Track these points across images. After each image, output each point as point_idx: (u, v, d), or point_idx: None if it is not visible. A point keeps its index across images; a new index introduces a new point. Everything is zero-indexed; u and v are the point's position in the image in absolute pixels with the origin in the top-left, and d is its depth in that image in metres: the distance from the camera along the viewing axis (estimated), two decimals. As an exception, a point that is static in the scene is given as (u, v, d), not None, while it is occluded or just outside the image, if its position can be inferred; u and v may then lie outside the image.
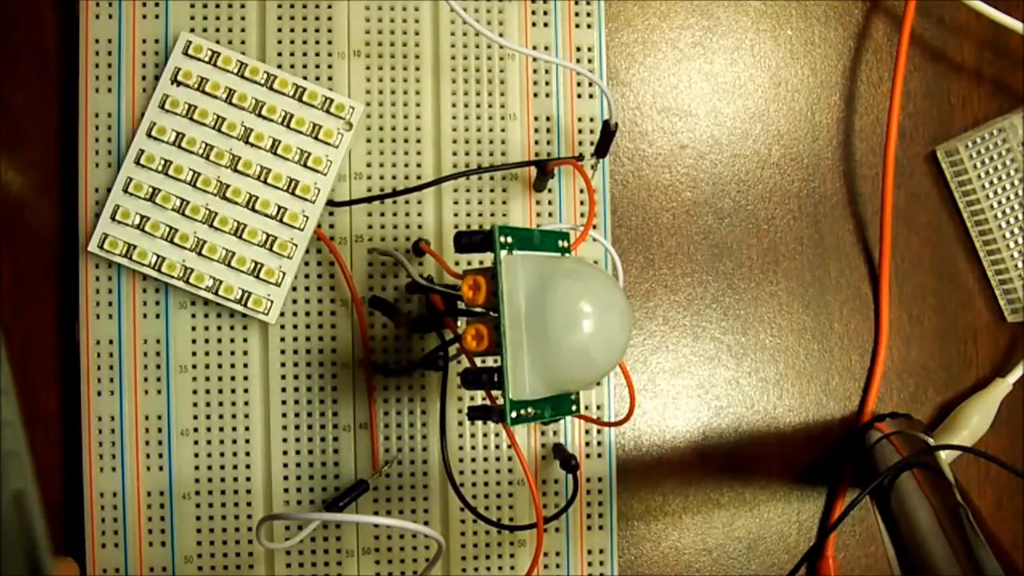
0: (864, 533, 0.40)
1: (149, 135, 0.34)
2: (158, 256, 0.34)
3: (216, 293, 0.34)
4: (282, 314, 0.35)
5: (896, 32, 0.41)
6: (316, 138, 0.34)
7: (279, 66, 0.35)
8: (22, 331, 0.35)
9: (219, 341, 0.35)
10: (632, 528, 0.39)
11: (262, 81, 0.34)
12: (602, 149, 0.36)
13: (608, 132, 0.35)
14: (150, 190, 0.34)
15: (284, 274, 0.34)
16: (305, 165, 0.34)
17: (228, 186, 0.34)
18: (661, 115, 0.40)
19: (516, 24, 0.37)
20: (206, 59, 0.34)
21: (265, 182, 0.34)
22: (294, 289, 0.35)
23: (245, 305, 0.34)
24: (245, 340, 0.35)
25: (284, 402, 0.35)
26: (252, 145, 0.34)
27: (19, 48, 0.36)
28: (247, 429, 0.35)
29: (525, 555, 0.36)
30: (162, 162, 0.34)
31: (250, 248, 0.34)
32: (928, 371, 0.41)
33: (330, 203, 0.35)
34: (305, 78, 0.35)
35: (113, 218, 0.34)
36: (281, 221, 0.34)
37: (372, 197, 0.35)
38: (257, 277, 0.34)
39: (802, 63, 0.41)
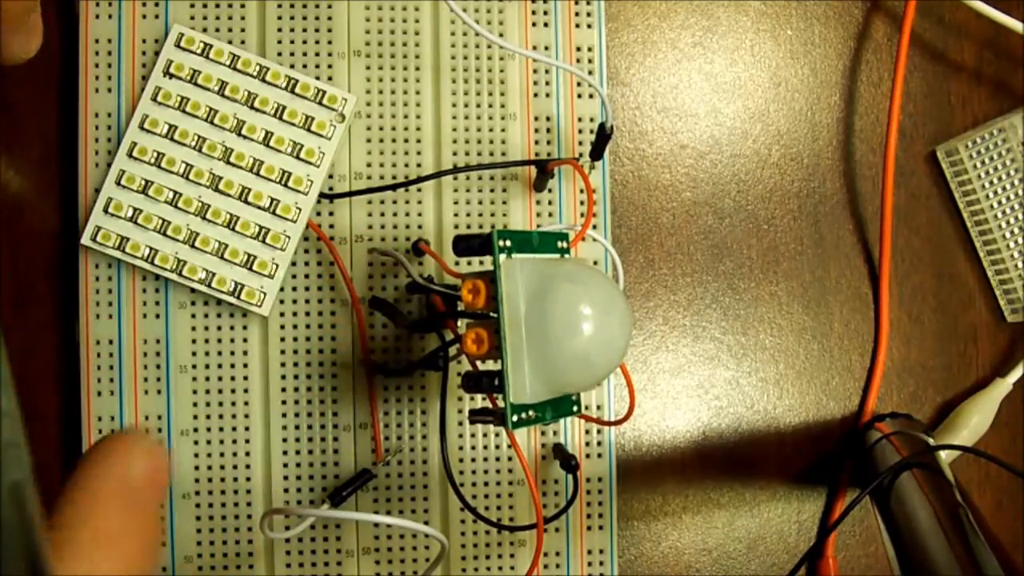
0: (864, 533, 0.40)
1: (142, 127, 0.34)
2: (151, 249, 0.34)
3: (209, 285, 0.34)
4: (282, 314, 0.35)
5: (896, 32, 0.41)
6: (309, 130, 0.34)
7: (279, 65, 0.35)
8: (22, 331, 0.35)
9: (219, 341, 0.35)
10: (632, 528, 0.39)
11: (254, 73, 0.34)
12: (597, 152, 0.36)
13: (603, 135, 0.35)
14: (143, 182, 0.34)
15: (277, 266, 0.34)
16: (298, 157, 0.34)
17: (221, 178, 0.34)
18: (661, 115, 0.40)
19: (516, 24, 0.37)
20: (198, 51, 0.34)
21: (258, 174, 0.34)
22: (294, 289, 0.35)
23: (238, 297, 0.34)
24: (245, 340, 0.35)
25: (284, 402, 0.35)
26: (244, 137, 0.34)
27: (19, 48, 0.36)
28: (247, 430, 0.35)
29: (525, 555, 0.36)
30: (155, 154, 0.34)
31: (243, 240, 0.34)
32: (928, 371, 0.41)
33: (323, 196, 0.35)
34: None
35: (106, 211, 0.34)
36: (274, 213, 0.34)
37: (367, 190, 0.35)
38: (250, 269, 0.34)
39: (802, 63, 0.41)
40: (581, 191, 0.37)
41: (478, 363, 0.30)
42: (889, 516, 0.34)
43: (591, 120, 0.37)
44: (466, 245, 0.28)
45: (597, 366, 0.27)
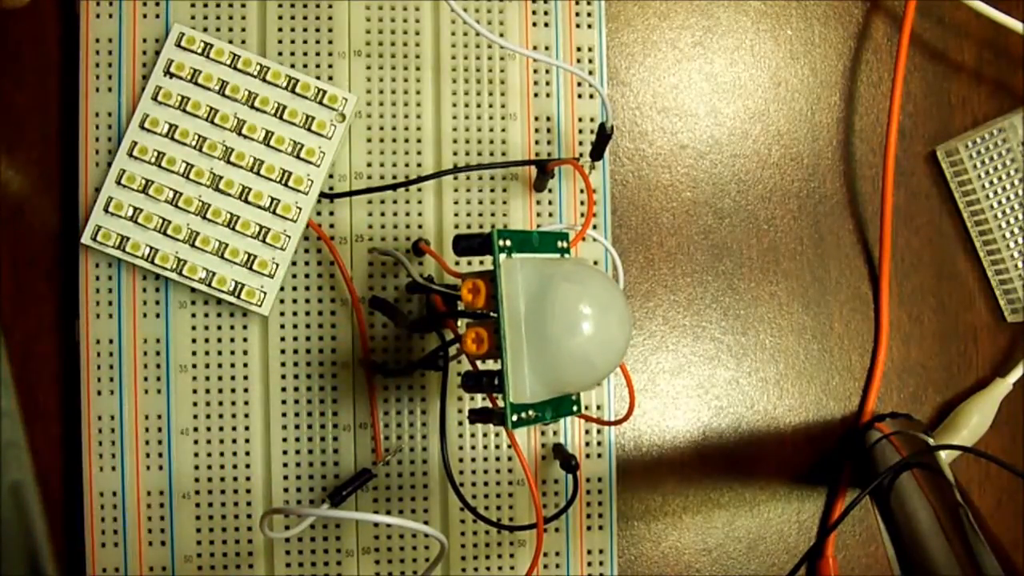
0: (864, 533, 0.40)
1: (142, 127, 0.34)
2: (151, 248, 0.34)
3: (209, 284, 0.34)
4: (282, 314, 0.35)
5: (896, 32, 0.41)
6: (309, 129, 0.34)
7: (280, 65, 0.35)
8: (22, 331, 0.35)
9: (219, 340, 0.35)
10: (632, 528, 0.39)
11: (255, 73, 0.34)
12: (597, 152, 0.36)
13: (604, 135, 0.35)
14: (143, 182, 0.34)
15: (277, 265, 0.34)
16: (298, 156, 0.34)
17: (221, 178, 0.34)
18: (661, 115, 0.40)
19: (516, 24, 0.37)
20: (199, 51, 0.34)
21: (258, 174, 0.34)
22: (294, 289, 0.35)
23: (238, 297, 0.34)
24: (245, 340, 0.35)
25: (284, 402, 0.35)
26: (245, 137, 0.34)
27: (19, 48, 0.36)
28: (247, 429, 0.35)
29: (525, 555, 0.36)
30: (155, 154, 0.34)
31: (243, 239, 0.34)
32: (928, 371, 0.41)
33: (324, 195, 0.35)
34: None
35: (106, 210, 0.34)
36: (274, 212, 0.34)
37: (367, 189, 0.35)
38: (250, 269, 0.34)
39: (802, 63, 0.41)
40: (581, 191, 0.37)
41: (478, 363, 0.30)
42: (889, 516, 0.34)
43: (591, 120, 0.37)
44: (466, 245, 0.28)
45: (597, 366, 0.27)
